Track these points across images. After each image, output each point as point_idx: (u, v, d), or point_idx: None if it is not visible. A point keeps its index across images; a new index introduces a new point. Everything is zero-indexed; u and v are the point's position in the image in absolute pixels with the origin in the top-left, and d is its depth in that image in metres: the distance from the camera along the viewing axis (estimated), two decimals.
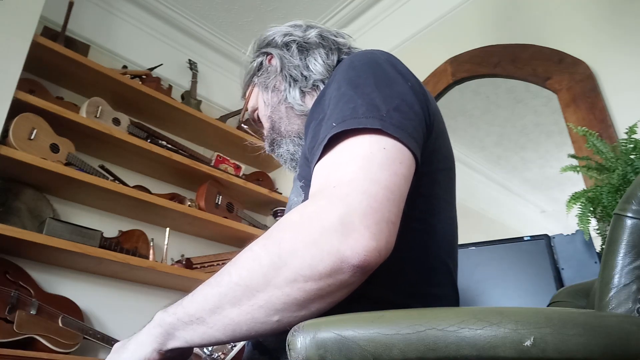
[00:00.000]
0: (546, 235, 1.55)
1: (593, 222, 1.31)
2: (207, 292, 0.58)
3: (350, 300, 0.55)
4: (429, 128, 0.69)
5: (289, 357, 0.45)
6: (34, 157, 1.86)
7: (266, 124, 0.91)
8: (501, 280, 1.58)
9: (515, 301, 1.54)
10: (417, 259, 0.68)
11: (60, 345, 1.75)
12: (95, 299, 2.10)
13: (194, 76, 2.78)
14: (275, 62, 0.89)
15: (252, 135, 1.05)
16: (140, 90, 2.35)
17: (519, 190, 2.15)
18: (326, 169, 0.58)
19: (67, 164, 1.99)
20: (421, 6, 2.50)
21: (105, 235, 2.04)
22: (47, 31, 2.22)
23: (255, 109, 0.94)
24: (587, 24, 1.85)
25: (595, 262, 1.42)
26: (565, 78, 1.81)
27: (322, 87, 0.83)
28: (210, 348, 0.76)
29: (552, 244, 1.53)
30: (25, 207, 1.95)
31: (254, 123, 0.97)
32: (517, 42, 2.02)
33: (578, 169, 1.43)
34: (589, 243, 1.43)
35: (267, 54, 0.91)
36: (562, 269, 1.49)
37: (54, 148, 1.97)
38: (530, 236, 1.58)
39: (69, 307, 1.91)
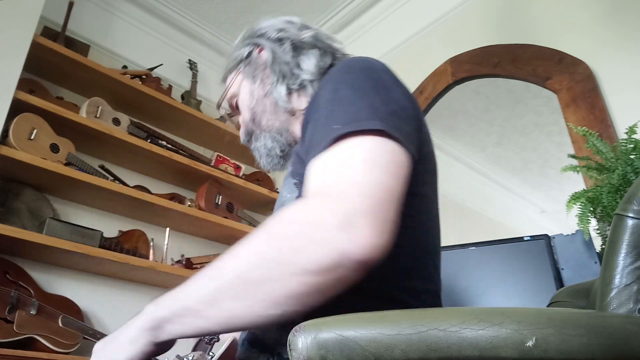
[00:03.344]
0: (546, 235, 1.55)
1: (593, 222, 1.31)
2: (204, 285, 0.58)
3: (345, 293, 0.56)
4: (420, 133, 0.72)
5: (290, 358, 0.45)
6: (34, 157, 1.86)
7: (246, 115, 0.90)
8: (501, 280, 1.58)
9: (516, 301, 1.54)
10: (409, 254, 0.69)
11: (60, 345, 1.75)
12: (95, 299, 2.10)
13: (194, 76, 2.78)
14: (266, 54, 0.88)
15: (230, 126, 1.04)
16: (140, 90, 2.35)
17: (519, 190, 2.15)
18: (329, 168, 0.59)
19: (67, 164, 1.99)
20: (421, 6, 2.50)
21: (105, 235, 2.04)
22: (47, 31, 2.22)
23: (235, 96, 0.94)
24: (587, 23, 1.85)
25: (595, 262, 1.42)
26: (565, 78, 1.81)
27: (309, 87, 0.83)
28: (191, 356, 0.75)
29: (552, 244, 1.53)
30: (25, 207, 1.95)
31: (231, 109, 0.97)
32: (517, 42, 2.02)
33: (578, 169, 1.43)
34: (589, 243, 1.43)
35: (258, 45, 0.91)
36: (562, 269, 1.49)
37: (54, 148, 1.97)
38: (530, 236, 1.58)
39: (69, 307, 1.91)
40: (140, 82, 2.41)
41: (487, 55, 2.10)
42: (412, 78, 2.36)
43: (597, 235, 1.37)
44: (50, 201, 2.07)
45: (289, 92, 0.84)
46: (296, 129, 0.86)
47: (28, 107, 1.92)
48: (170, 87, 2.62)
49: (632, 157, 1.29)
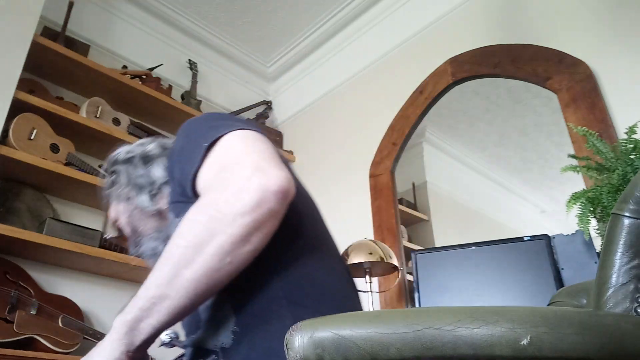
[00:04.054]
0: (546, 235, 1.55)
1: (593, 222, 1.31)
2: (160, 271, 0.65)
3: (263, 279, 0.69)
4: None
5: (287, 357, 0.45)
6: (34, 157, 1.86)
7: (127, 230, 1.01)
8: (501, 280, 1.58)
9: (515, 301, 1.54)
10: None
11: (60, 345, 1.75)
12: (95, 299, 2.10)
13: (194, 76, 2.78)
14: (124, 175, 1.01)
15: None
16: (140, 90, 2.35)
17: (519, 190, 2.15)
18: (217, 158, 0.70)
19: (67, 164, 1.99)
20: (421, 6, 2.50)
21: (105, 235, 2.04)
22: (47, 31, 2.22)
23: (116, 220, 1.05)
24: (587, 24, 1.85)
25: (595, 262, 1.42)
26: (565, 78, 1.81)
27: (166, 187, 0.95)
28: None
29: (552, 244, 1.53)
30: (25, 207, 1.95)
31: (120, 232, 1.07)
32: (517, 42, 2.02)
33: (578, 169, 1.43)
34: (589, 243, 1.43)
35: (116, 171, 1.03)
36: (562, 269, 1.49)
37: (54, 148, 1.98)
38: (530, 236, 1.58)
39: (69, 307, 1.91)
40: (140, 82, 2.41)
41: (487, 55, 2.10)
42: (412, 78, 2.36)
43: (597, 235, 1.37)
44: (50, 201, 2.07)
45: (152, 197, 0.96)
46: (169, 219, 0.98)
47: (28, 107, 1.92)
48: (170, 87, 2.63)
49: (632, 157, 1.29)
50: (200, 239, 0.62)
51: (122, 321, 0.64)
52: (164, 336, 0.78)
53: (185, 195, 0.75)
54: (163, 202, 0.95)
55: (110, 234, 1.11)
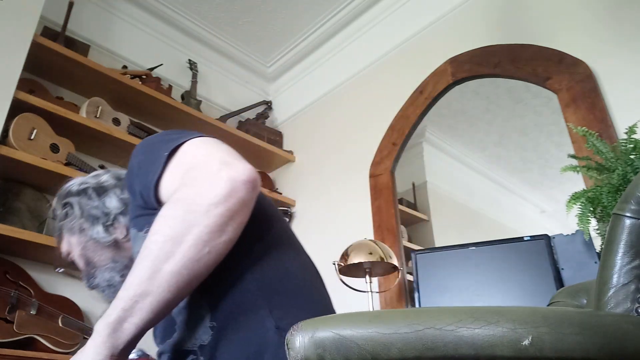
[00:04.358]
0: (546, 235, 1.55)
1: (593, 222, 1.31)
2: (139, 269, 0.64)
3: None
4: None
5: (287, 357, 0.45)
6: (34, 157, 1.86)
7: (81, 263, 1.01)
8: (501, 280, 1.58)
9: (515, 301, 1.54)
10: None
11: (60, 345, 1.75)
12: (95, 299, 2.10)
13: (194, 76, 2.78)
14: (77, 207, 1.00)
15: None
16: (140, 90, 2.35)
17: (519, 190, 2.15)
18: (181, 163, 0.72)
19: (67, 164, 1.99)
20: (421, 6, 2.50)
21: None
22: (47, 31, 2.22)
23: (69, 253, 1.04)
24: (587, 24, 1.85)
25: (595, 262, 1.42)
26: (565, 78, 1.81)
27: (121, 217, 0.97)
28: None
29: (552, 244, 1.53)
30: (25, 207, 1.95)
31: (72, 266, 1.07)
32: (517, 42, 2.02)
33: (578, 169, 1.43)
34: (589, 243, 1.43)
35: (68, 203, 1.02)
36: (562, 269, 1.49)
37: (54, 148, 1.98)
38: (530, 236, 1.58)
39: (69, 307, 1.91)
40: (140, 82, 2.41)
41: (487, 55, 2.10)
42: (412, 78, 2.36)
43: (597, 235, 1.37)
44: (50, 201, 2.07)
45: (106, 228, 0.96)
46: (126, 249, 0.98)
47: (28, 107, 1.92)
48: (170, 87, 2.63)
49: (632, 157, 1.29)
50: (177, 232, 0.63)
51: (104, 324, 0.63)
52: (132, 354, 0.78)
53: (149, 206, 0.75)
54: (118, 232, 0.96)
55: (60, 268, 1.10)
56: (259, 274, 0.73)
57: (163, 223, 0.65)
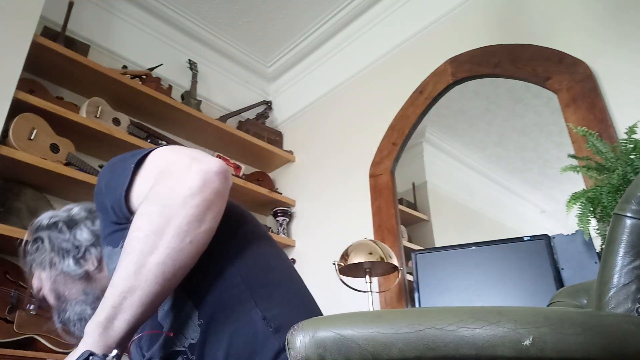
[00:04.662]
0: (546, 235, 1.55)
1: (593, 222, 1.31)
2: (124, 266, 0.65)
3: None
4: None
5: (288, 357, 0.45)
6: (34, 157, 1.86)
7: (51, 298, 1.00)
8: (501, 280, 1.58)
9: (515, 301, 1.54)
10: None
11: (60, 345, 1.75)
12: None
13: (194, 76, 2.78)
14: (46, 241, 0.99)
15: None
16: (140, 90, 2.35)
17: (519, 190, 2.15)
18: (150, 169, 0.73)
19: (67, 164, 1.99)
20: (421, 6, 2.50)
21: None
22: (47, 31, 2.22)
23: (39, 289, 1.03)
24: (586, 23, 1.85)
25: (595, 262, 1.42)
26: (565, 78, 1.81)
27: (92, 249, 0.96)
28: None
29: (552, 244, 1.53)
30: (25, 207, 1.95)
31: (44, 302, 1.05)
32: (517, 42, 2.02)
33: (578, 169, 1.43)
34: (589, 243, 1.43)
35: (39, 237, 1.01)
36: (562, 269, 1.49)
37: (54, 148, 1.97)
38: (530, 236, 1.58)
39: None
40: (140, 82, 2.41)
41: (487, 55, 2.10)
42: (412, 78, 2.36)
43: (597, 235, 1.37)
44: (50, 201, 2.07)
45: (77, 261, 0.95)
46: (97, 280, 0.97)
47: (28, 107, 1.92)
48: (170, 87, 2.63)
49: (632, 157, 1.29)
50: (157, 225, 0.65)
51: (94, 324, 0.63)
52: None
53: (122, 220, 0.75)
54: (90, 264, 0.95)
55: (31, 305, 1.09)
56: (242, 268, 0.74)
57: (142, 219, 0.67)
